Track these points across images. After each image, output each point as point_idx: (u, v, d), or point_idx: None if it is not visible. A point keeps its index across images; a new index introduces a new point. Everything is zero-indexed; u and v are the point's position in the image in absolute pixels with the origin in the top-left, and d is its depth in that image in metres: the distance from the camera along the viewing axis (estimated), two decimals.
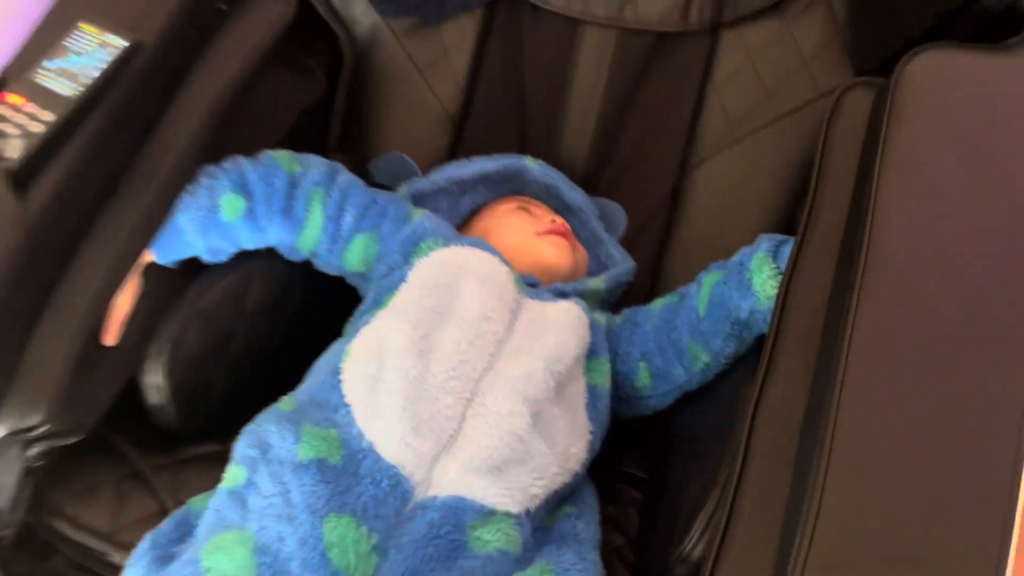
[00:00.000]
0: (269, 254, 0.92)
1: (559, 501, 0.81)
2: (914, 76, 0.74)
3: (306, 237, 0.90)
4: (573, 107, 1.14)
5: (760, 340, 0.82)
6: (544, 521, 0.78)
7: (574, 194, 1.10)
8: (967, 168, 0.69)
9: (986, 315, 0.65)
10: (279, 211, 0.88)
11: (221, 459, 0.77)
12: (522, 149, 1.13)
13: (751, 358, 0.84)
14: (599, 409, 0.85)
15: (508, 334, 0.82)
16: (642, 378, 0.91)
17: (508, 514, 0.73)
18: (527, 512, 0.74)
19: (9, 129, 0.75)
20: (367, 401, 0.75)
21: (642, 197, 1.12)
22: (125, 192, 0.81)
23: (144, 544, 0.73)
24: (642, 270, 1.08)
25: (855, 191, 0.74)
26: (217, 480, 0.75)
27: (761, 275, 0.81)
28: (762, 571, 0.62)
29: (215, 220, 0.86)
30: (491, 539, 0.71)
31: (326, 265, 0.94)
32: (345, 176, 0.93)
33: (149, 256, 0.86)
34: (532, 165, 1.09)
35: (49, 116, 0.75)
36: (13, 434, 0.75)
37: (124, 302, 0.83)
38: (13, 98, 0.76)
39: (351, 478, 0.70)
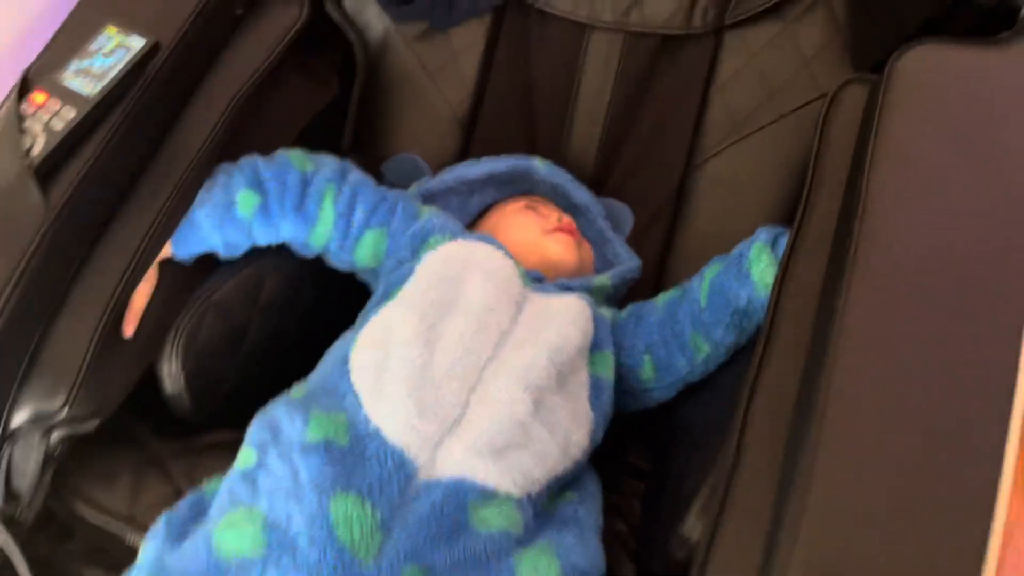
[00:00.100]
0: (282, 250, 0.95)
1: (561, 487, 0.82)
2: (905, 70, 0.76)
3: (318, 233, 0.93)
4: (580, 110, 1.16)
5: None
6: (546, 506, 0.80)
7: (581, 194, 1.13)
8: (957, 158, 0.71)
9: (975, 301, 0.66)
10: (292, 207, 0.91)
11: (235, 447, 0.79)
12: (531, 151, 1.16)
13: (751, 350, 0.86)
14: (602, 400, 0.87)
15: (512, 325, 0.84)
16: (646, 370, 0.93)
17: (509, 496, 0.75)
18: (528, 496, 0.76)
19: (34, 126, 0.78)
20: (374, 388, 0.78)
21: (648, 197, 1.14)
22: (144, 188, 0.85)
23: (160, 524, 0.76)
24: (648, 268, 1.10)
25: (848, 181, 0.76)
26: (231, 466, 0.78)
27: (759, 264, 0.83)
28: (754, 551, 0.64)
29: (231, 215, 0.89)
30: (492, 519, 0.73)
31: (338, 261, 0.97)
32: (356, 174, 0.96)
33: (167, 251, 0.89)
34: (540, 165, 1.12)
35: (71, 114, 0.79)
36: (35, 419, 0.78)
37: (143, 295, 0.86)
38: (37, 97, 0.80)
39: (357, 459, 0.73)
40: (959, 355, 0.65)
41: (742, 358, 0.88)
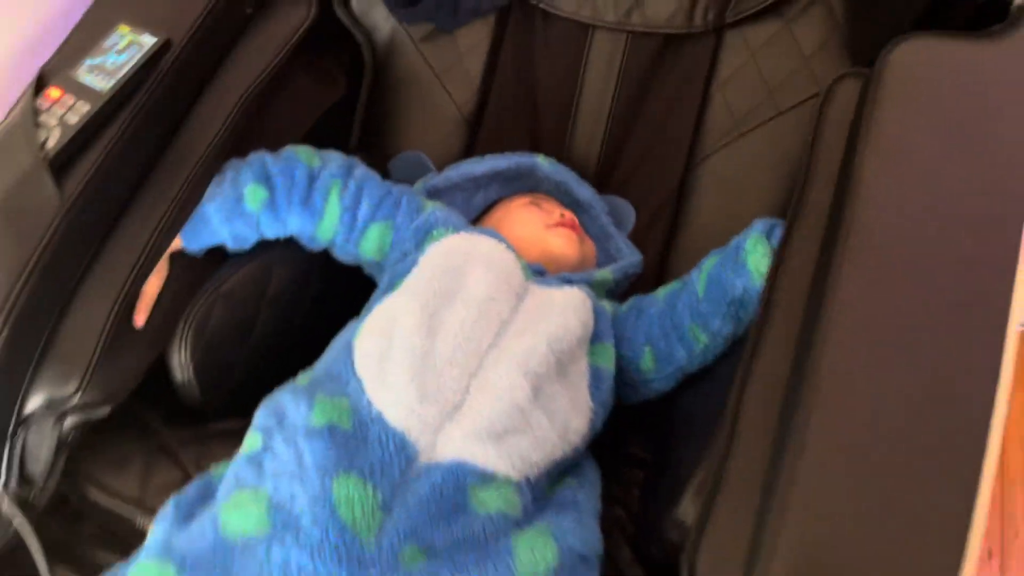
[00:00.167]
0: (290, 244, 0.97)
1: (561, 473, 0.84)
2: (896, 63, 0.77)
3: (324, 227, 0.96)
4: (584, 109, 1.18)
5: None
6: (546, 491, 0.82)
7: (584, 191, 1.15)
8: (945, 148, 0.72)
9: (962, 286, 0.68)
10: (299, 201, 0.94)
11: (243, 434, 0.81)
12: (535, 150, 1.18)
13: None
14: (602, 390, 0.88)
15: (513, 315, 0.86)
16: (647, 362, 0.94)
17: (508, 479, 0.76)
18: (527, 479, 0.78)
19: (50, 120, 0.81)
20: (376, 374, 0.80)
21: (650, 194, 1.16)
22: (155, 182, 0.87)
23: (168, 506, 0.78)
24: (650, 263, 1.12)
25: (840, 172, 0.77)
26: (238, 452, 0.80)
27: (755, 254, 0.85)
28: (744, 530, 0.65)
29: (239, 209, 0.92)
30: (491, 501, 0.75)
31: (343, 254, 0.99)
32: (361, 170, 0.98)
33: (178, 243, 0.91)
34: (543, 163, 1.14)
35: (85, 108, 0.81)
36: (49, 404, 0.80)
37: (154, 286, 0.89)
38: (53, 92, 0.82)
39: (360, 442, 0.75)
40: (945, 341, 0.66)
41: (741, 349, 0.89)
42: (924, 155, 0.73)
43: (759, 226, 0.87)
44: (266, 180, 0.93)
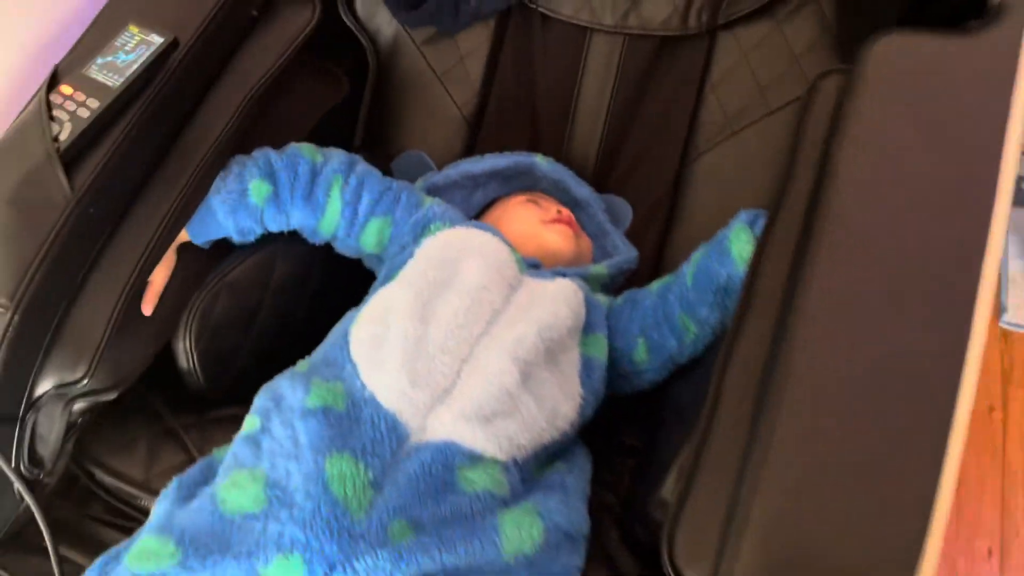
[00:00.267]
0: (293, 237, 1.01)
1: (551, 458, 0.86)
2: (874, 58, 0.79)
3: (326, 220, 0.99)
4: (582, 110, 1.21)
5: None
6: (535, 474, 0.84)
7: (581, 189, 1.18)
8: (918, 139, 0.75)
9: (931, 272, 0.70)
10: (302, 196, 0.97)
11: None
12: (535, 150, 1.21)
13: None
14: (593, 379, 0.91)
15: (505, 305, 0.89)
16: (640, 352, 0.96)
17: (495, 460, 0.79)
18: (514, 460, 0.80)
19: (61, 115, 0.84)
20: (371, 358, 0.83)
21: (647, 192, 1.18)
22: (163, 176, 0.90)
23: (172, 485, 0.81)
24: (646, 260, 1.15)
25: (820, 163, 0.79)
26: None
27: (738, 242, 0.87)
28: (720, 505, 0.67)
29: (244, 203, 0.95)
30: (478, 480, 0.77)
31: (344, 247, 1.02)
32: (363, 166, 1.02)
33: (185, 236, 0.95)
34: (541, 162, 1.17)
35: (95, 104, 0.85)
36: (58, 388, 0.84)
37: (161, 277, 0.92)
38: (65, 89, 0.86)
39: (353, 423, 0.78)
40: (914, 325, 0.68)
41: None
42: (898, 146, 0.75)
43: (743, 216, 0.90)
44: (270, 175, 0.96)
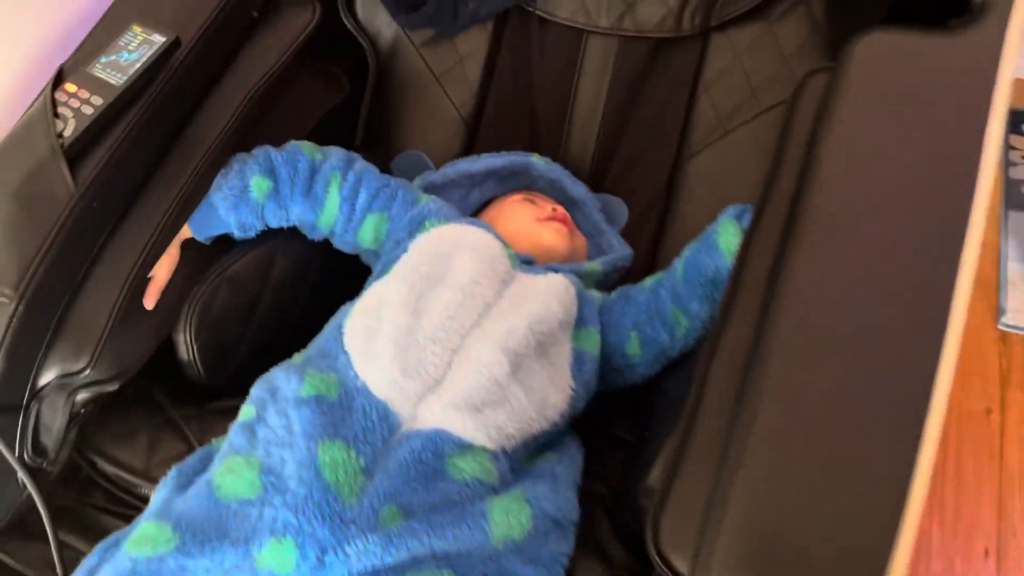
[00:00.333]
0: (293, 233, 1.03)
1: (541, 448, 0.88)
2: (856, 56, 0.81)
3: (325, 216, 1.01)
4: (579, 111, 1.23)
5: None
6: (525, 463, 0.86)
7: (578, 188, 1.19)
8: (899, 133, 0.76)
9: (909, 263, 0.71)
10: (301, 192, 0.99)
11: None
12: (532, 150, 1.22)
13: None
14: (584, 371, 0.92)
15: (497, 299, 0.90)
16: (632, 346, 0.98)
17: (484, 449, 0.81)
18: (503, 450, 0.82)
19: (66, 112, 0.87)
20: (364, 349, 0.85)
21: (641, 191, 1.20)
22: (164, 172, 0.93)
23: (171, 474, 0.83)
24: (641, 257, 1.16)
25: (804, 158, 0.81)
26: None
27: (726, 234, 0.89)
28: (703, 495, 0.68)
29: (245, 198, 0.97)
30: (467, 468, 0.79)
31: (342, 243, 1.04)
32: (361, 163, 1.04)
33: (187, 232, 0.97)
34: (538, 161, 1.19)
35: (99, 101, 0.87)
36: (61, 378, 0.86)
37: (164, 272, 0.94)
38: (70, 87, 0.88)
39: (345, 412, 0.80)
40: (892, 313, 0.70)
41: None
42: (880, 142, 0.77)
43: (731, 211, 0.91)
44: (271, 171, 0.99)
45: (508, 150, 1.21)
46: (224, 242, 1.01)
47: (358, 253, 1.06)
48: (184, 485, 0.82)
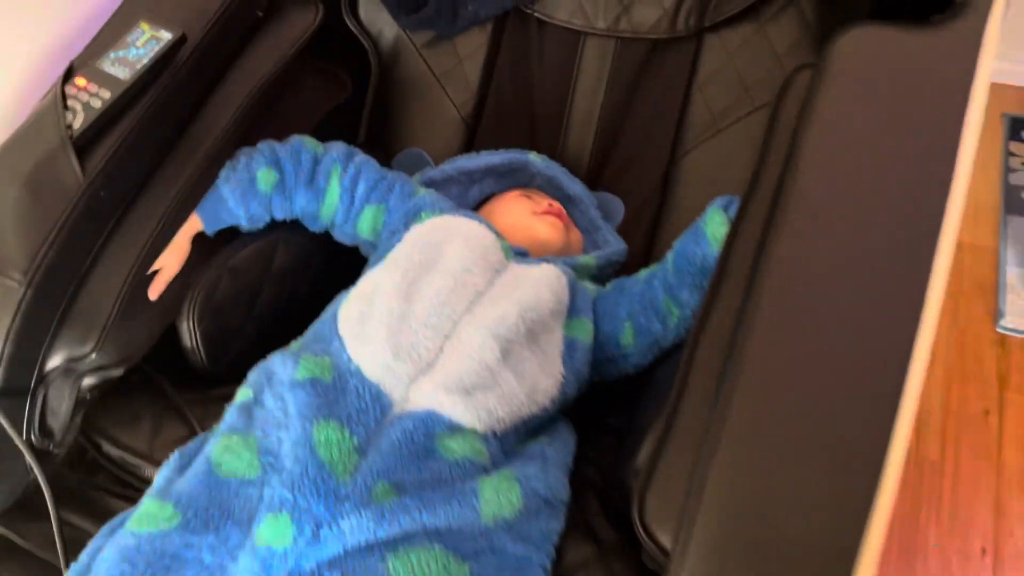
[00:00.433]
0: (295, 225, 1.06)
1: (533, 432, 0.90)
2: (840, 51, 0.83)
3: (326, 207, 1.04)
4: (577, 111, 1.26)
5: None
6: (516, 446, 0.88)
7: (575, 186, 1.22)
8: (878, 124, 0.79)
9: (886, 247, 0.73)
10: (304, 182, 1.03)
11: None
12: (530, 149, 1.24)
13: None
14: (575, 359, 0.95)
15: (488, 287, 0.93)
16: (626, 336, 1.00)
17: (475, 431, 0.83)
18: (493, 432, 0.84)
19: (75, 105, 0.90)
20: (357, 333, 0.87)
21: (637, 188, 1.23)
22: (171, 164, 0.96)
23: (173, 457, 0.85)
24: (636, 252, 1.19)
25: (789, 148, 0.83)
26: None
27: (713, 223, 0.91)
28: (685, 472, 0.70)
29: (253, 191, 1.00)
30: (457, 449, 0.81)
31: (342, 235, 1.07)
32: (361, 156, 1.07)
33: (198, 225, 1.00)
34: (535, 159, 1.21)
35: (107, 95, 0.90)
36: (67, 362, 0.88)
37: (173, 265, 0.97)
38: (79, 81, 0.92)
39: (339, 393, 0.82)
40: (869, 296, 0.72)
41: None
42: (859, 130, 0.79)
43: (718, 201, 0.94)
44: (276, 163, 1.02)
45: (507, 148, 1.23)
46: (227, 232, 1.03)
47: (357, 244, 1.09)
48: (185, 466, 0.84)
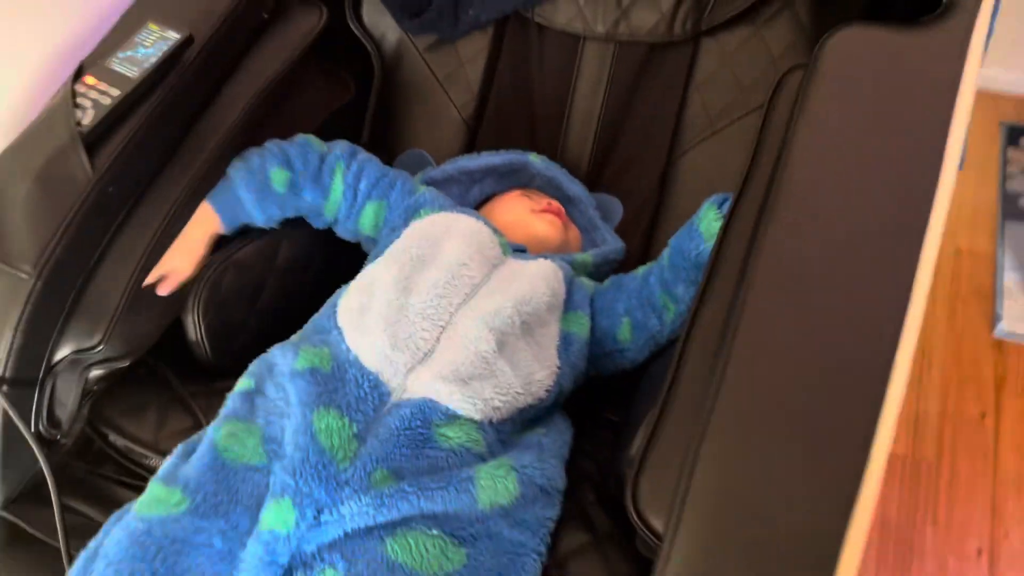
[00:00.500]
0: (298, 222, 1.08)
1: (529, 423, 0.92)
2: (831, 50, 0.86)
3: (330, 203, 1.07)
4: (576, 114, 1.28)
5: None
6: (512, 436, 0.89)
7: (574, 187, 1.24)
8: (866, 120, 0.81)
9: (871, 237, 0.75)
10: (311, 179, 1.05)
11: None
12: (531, 150, 1.27)
13: None
14: (570, 352, 0.96)
15: (485, 280, 0.95)
16: (624, 332, 1.01)
17: (471, 420, 0.85)
18: (489, 421, 0.86)
19: (85, 103, 0.92)
20: (355, 324, 0.89)
21: (636, 189, 1.25)
22: (178, 161, 0.98)
23: (177, 450, 0.86)
24: (634, 251, 1.21)
25: (780, 144, 0.85)
26: None
27: (706, 219, 0.93)
28: (677, 457, 0.72)
29: (268, 191, 1.03)
30: (454, 437, 0.83)
31: (344, 231, 1.10)
32: (363, 154, 1.10)
33: (216, 227, 1.02)
34: (535, 160, 1.23)
35: (116, 92, 0.93)
36: (75, 354, 0.91)
37: (188, 268, 0.99)
38: (89, 79, 0.94)
39: (338, 382, 0.84)
40: (855, 284, 0.74)
41: None
42: (848, 129, 0.81)
43: (713, 198, 0.95)
44: (288, 163, 1.05)
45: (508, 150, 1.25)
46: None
47: (359, 241, 1.11)
48: (190, 453, 0.86)
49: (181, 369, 1.01)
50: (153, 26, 0.97)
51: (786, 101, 0.91)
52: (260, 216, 1.04)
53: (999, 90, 2.15)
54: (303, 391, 0.82)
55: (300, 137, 1.08)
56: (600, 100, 1.26)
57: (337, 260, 1.12)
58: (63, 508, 0.90)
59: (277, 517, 0.75)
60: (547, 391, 0.92)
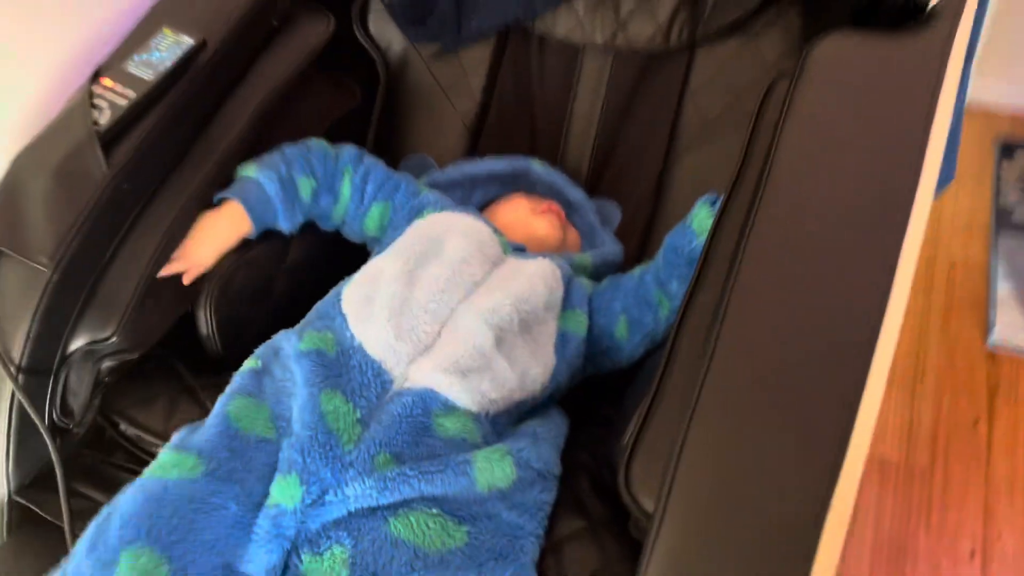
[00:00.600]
0: (306, 225, 1.11)
1: (525, 416, 0.95)
2: (817, 56, 0.89)
3: (339, 206, 1.11)
4: (576, 122, 1.32)
5: None
6: (508, 428, 0.92)
7: (575, 192, 1.28)
8: (850, 123, 0.85)
9: (852, 230, 0.79)
10: (327, 186, 1.09)
11: None
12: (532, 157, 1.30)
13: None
14: (567, 349, 1.00)
15: (486, 278, 0.98)
16: (620, 329, 1.04)
17: (468, 411, 0.88)
18: (486, 413, 0.89)
19: (102, 103, 0.96)
20: (360, 312, 0.93)
21: (633, 193, 1.28)
22: (190, 160, 1.01)
23: (183, 431, 0.89)
24: (631, 252, 1.24)
25: (768, 146, 0.89)
26: None
27: (699, 217, 0.97)
28: (667, 444, 0.74)
29: (297, 200, 1.07)
30: (451, 427, 0.86)
31: (351, 232, 1.13)
32: (370, 158, 1.14)
33: (246, 230, 1.05)
34: (537, 166, 1.27)
35: (131, 94, 0.96)
36: (89, 345, 0.94)
37: (210, 260, 1.02)
38: (106, 81, 0.98)
39: (343, 367, 0.87)
40: (839, 278, 0.77)
41: None
42: (834, 130, 0.85)
43: (706, 197, 0.99)
44: (312, 172, 1.08)
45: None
46: None
47: (364, 241, 1.14)
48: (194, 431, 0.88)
49: (191, 362, 1.04)
50: (168, 31, 1.01)
51: (774, 105, 0.95)
52: (287, 224, 1.07)
53: (993, 107, 2.20)
54: (309, 371, 0.85)
55: (314, 143, 1.11)
56: (599, 108, 1.30)
57: (344, 260, 1.15)
58: (74, 495, 0.93)
59: (284, 492, 0.78)
60: (542, 387, 0.95)
